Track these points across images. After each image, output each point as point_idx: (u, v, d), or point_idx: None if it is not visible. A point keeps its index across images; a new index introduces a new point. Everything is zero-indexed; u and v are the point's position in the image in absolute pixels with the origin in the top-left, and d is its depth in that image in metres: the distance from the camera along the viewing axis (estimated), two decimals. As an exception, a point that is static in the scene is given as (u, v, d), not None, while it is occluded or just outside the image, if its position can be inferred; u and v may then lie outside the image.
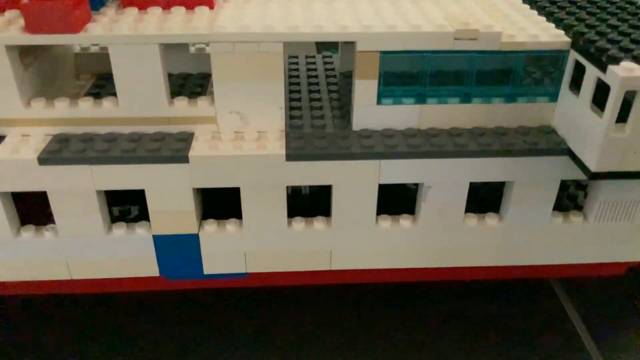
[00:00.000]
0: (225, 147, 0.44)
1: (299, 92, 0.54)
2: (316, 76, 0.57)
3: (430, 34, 0.43)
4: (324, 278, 0.54)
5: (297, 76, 0.57)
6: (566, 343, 0.52)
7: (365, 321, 0.53)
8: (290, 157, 0.44)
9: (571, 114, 0.45)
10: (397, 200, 0.51)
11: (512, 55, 0.45)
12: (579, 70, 0.44)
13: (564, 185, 0.51)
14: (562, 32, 0.45)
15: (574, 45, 0.44)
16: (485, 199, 0.53)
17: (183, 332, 0.51)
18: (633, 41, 0.43)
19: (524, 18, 0.48)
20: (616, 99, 0.38)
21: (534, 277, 0.58)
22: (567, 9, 0.50)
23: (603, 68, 0.40)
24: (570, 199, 0.54)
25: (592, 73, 0.41)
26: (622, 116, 0.40)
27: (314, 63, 0.60)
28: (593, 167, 0.42)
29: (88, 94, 0.53)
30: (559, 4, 0.51)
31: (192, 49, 0.57)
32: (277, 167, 0.44)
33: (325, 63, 0.60)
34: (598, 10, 0.49)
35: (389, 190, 0.48)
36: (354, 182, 0.46)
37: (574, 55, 0.44)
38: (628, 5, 0.51)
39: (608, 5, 0.51)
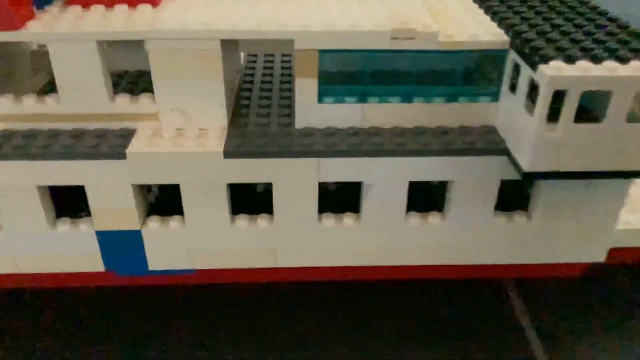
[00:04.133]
0: (163, 144, 0.45)
1: (250, 90, 0.54)
2: (271, 75, 0.57)
3: (367, 32, 0.43)
4: (272, 276, 0.54)
5: (252, 75, 0.58)
6: (513, 344, 0.51)
7: (316, 320, 0.53)
8: (227, 154, 0.44)
9: (509, 114, 0.45)
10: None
11: (451, 55, 0.45)
12: (517, 69, 0.44)
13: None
14: (502, 31, 0.45)
15: (512, 44, 0.44)
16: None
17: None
18: (572, 41, 0.43)
19: (469, 18, 0.49)
20: (545, 99, 0.38)
21: (489, 278, 0.58)
22: (515, 9, 0.50)
23: (534, 67, 0.40)
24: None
25: (525, 72, 0.41)
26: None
27: (272, 62, 0.61)
28: (525, 167, 0.42)
29: (42, 91, 0.53)
30: (508, 3, 0.51)
31: None
32: (215, 164, 0.45)
33: (283, 62, 0.61)
34: (546, 10, 0.49)
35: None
36: (293, 180, 0.46)
37: (512, 55, 0.44)
38: (579, 5, 0.51)
39: (558, 4, 0.51)
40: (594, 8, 0.50)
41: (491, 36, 0.44)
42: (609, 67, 0.38)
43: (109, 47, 0.49)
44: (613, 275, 0.59)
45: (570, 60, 0.39)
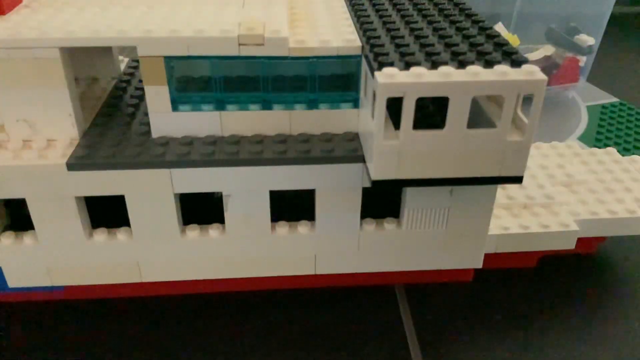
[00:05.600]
0: (5, 156, 0.43)
1: (121, 97, 0.52)
2: None
3: (213, 39, 0.42)
4: (137, 290, 0.53)
5: (129, 81, 0.56)
6: (392, 352, 0.51)
7: (184, 334, 0.51)
8: (71, 166, 0.42)
9: (364, 121, 0.44)
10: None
11: (305, 61, 0.44)
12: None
13: None
14: (356, 37, 0.44)
15: (363, 50, 0.43)
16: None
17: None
18: (422, 45, 0.42)
19: (333, 23, 0.47)
20: (380, 105, 0.37)
21: (380, 284, 0.57)
22: (380, 12, 0.49)
23: (372, 73, 0.39)
24: None
25: (370, 78, 0.41)
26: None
27: None
28: (372, 175, 0.41)
29: None
30: (377, 7, 0.50)
31: None
32: (58, 177, 0.43)
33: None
34: (412, 13, 0.48)
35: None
36: (146, 192, 0.45)
37: (363, 61, 0.43)
38: (451, 8, 0.50)
39: (429, 8, 0.50)
40: (464, 10, 0.49)
41: (344, 42, 0.43)
42: (443, 73, 0.37)
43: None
44: (505, 280, 0.59)
45: (406, 66, 0.38)
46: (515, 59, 0.39)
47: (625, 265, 0.61)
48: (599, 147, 0.83)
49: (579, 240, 0.55)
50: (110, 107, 0.51)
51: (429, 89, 0.37)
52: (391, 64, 0.38)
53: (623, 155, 0.74)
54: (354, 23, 0.47)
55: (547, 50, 0.94)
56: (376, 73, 0.37)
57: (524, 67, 0.38)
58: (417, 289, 0.58)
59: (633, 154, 0.82)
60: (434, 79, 0.37)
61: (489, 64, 0.38)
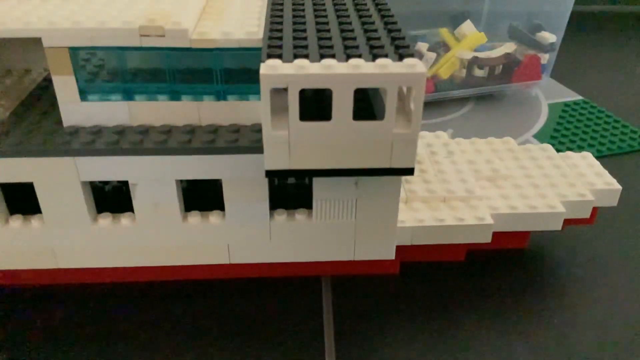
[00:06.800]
0: None
1: (47, 88, 0.53)
2: None
3: (114, 30, 0.43)
4: (51, 278, 0.54)
5: None
6: (306, 341, 0.51)
7: (90, 323, 0.52)
8: None
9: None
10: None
11: (209, 53, 0.45)
12: None
13: None
14: (259, 30, 0.45)
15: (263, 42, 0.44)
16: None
17: None
18: (320, 39, 0.42)
19: (246, 15, 0.48)
20: (265, 95, 0.38)
21: (306, 275, 0.58)
22: (295, 7, 0.49)
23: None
24: None
25: None
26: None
27: None
28: (265, 165, 0.41)
29: None
30: (295, 3, 0.51)
31: None
32: None
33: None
34: (326, 9, 0.49)
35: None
36: (54, 179, 0.46)
37: None
38: (367, 3, 0.50)
39: (344, 3, 0.50)
40: (378, 5, 0.50)
41: (245, 34, 0.44)
42: (325, 65, 0.38)
43: None
44: (431, 274, 0.59)
45: (289, 58, 0.39)
46: (401, 53, 0.39)
47: (553, 261, 0.61)
48: (553, 145, 0.83)
49: (507, 235, 0.56)
50: (34, 97, 0.52)
51: (310, 80, 0.38)
52: (279, 56, 0.39)
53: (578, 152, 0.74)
54: (266, 17, 0.48)
55: (509, 47, 0.94)
56: (261, 64, 0.38)
57: (406, 60, 0.38)
58: (343, 280, 0.58)
59: (587, 151, 0.82)
60: (316, 70, 0.38)
61: (374, 58, 0.39)
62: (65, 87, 0.45)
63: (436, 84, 0.93)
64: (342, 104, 0.38)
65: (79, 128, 0.46)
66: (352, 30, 0.44)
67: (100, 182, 0.54)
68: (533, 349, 0.50)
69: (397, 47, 0.41)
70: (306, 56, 0.39)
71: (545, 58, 0.96)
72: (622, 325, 0.53)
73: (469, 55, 0.92)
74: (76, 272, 0.52)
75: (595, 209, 0.58)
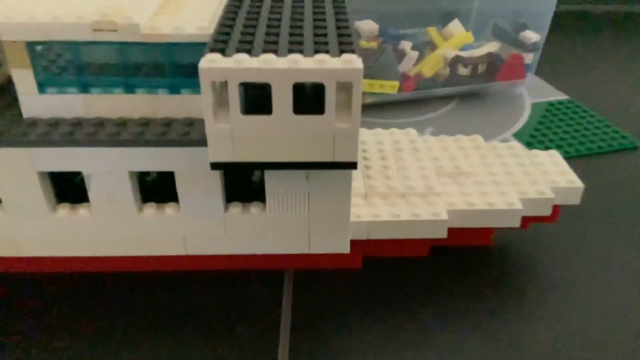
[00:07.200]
0: None
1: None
2: None
3: (68, 24, 0.44)
4: (15, 265, 0.55)
5: None
6: (262, 334, 0.52)
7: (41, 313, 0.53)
8: None
9: None
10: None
11: (160, 47, 0.45)
12: None
13: None
14: (210, 25, 0.46)
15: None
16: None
17: None
18: (268, 35, 0.43)
19: (197, 12, 0.49)
20: (205, 88, 0.39)
21: (269, 269, 0.59)
22: (252, 3, 0.50)
23: None
24: None
25: None
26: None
27: None
28: (210, 157, 0.42)
29: None
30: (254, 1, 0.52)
31: None
32: None
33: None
34: (282, 5, 0.50)
35: None
36: (11, 169, 0.47)
37: None
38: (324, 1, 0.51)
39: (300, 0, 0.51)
40: (336, 2, 0.50)
41: (196, 29, 0.45)
42: (264, 60, 0.38)
43: None
44: (395, 269, 0.60)
45: (231, 53, 0.40)
46: (342, 49, 0.40)
47: (517, 259, 0.61)
48: (531, 144, 0.83)
49: (468, 231, 0.56)
50: (1, 90, 0.53)
51: (249, 74, 0.38)
52: (221, 51, 0.40)
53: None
54: (222, 13, 0.49)
55: (492, 46, 0.94)
56: (202, 58, 0.39)
57: (344, 56, 0.39)
58: (306, 274, 0.59)
59: (565, 151, 0.82)
60: (253, 65, 0.38)
61: (315, 53, 0.40)
62: (24, 80, 0.46)
63: (419, 82, 0.93)
64: (282, 98, 0.39)
65: (37, 120, 0.48)
66: (301, 27, 0.44)
67: (68, 173, 0.55)
68: (485, 344, 0.51)
69: (340, 43, 0.41)
70: (248, 51, 0.40)
71: (529, 57, 0.96)
72: (577, 324, 0.53)
73: (452, 53, 0.92)
74: (37, 260, 0.53)
75: (557, 207, 0.58)
